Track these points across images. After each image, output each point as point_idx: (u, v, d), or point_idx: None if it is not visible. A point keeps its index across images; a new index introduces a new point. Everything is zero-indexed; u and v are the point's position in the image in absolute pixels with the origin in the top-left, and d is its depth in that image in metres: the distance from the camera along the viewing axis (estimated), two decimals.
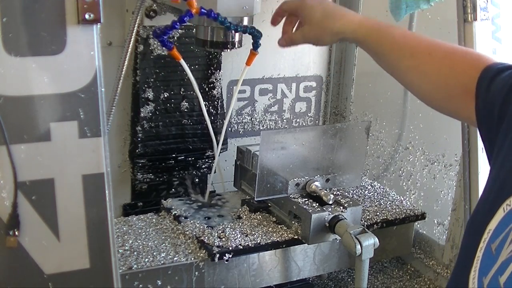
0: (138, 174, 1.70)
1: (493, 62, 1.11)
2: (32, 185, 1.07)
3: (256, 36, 1.50)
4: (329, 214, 1.48)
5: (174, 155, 1.73)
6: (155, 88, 1.66)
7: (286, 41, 1.47)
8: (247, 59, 1.57)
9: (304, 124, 2.01)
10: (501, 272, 0.78)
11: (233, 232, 1.48)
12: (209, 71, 1.73)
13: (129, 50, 1.36)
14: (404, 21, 1.71)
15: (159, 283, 1.38)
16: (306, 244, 1.51)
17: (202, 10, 1.37)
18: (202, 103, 1.61)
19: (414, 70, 1.22)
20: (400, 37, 1.27)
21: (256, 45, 1.53)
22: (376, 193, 1.78)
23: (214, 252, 1.40)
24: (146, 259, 1.38)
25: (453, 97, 1.14)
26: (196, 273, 1.41)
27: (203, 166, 1.75)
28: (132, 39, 1.37)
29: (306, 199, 1.53)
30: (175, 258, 1.40)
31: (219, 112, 1.75)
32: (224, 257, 1.41)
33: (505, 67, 1.05)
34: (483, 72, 1.08)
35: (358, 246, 1.41)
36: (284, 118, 1.97)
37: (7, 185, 1.05)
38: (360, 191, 1.79)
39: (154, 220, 1.57)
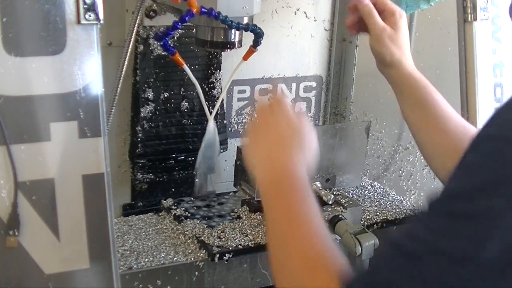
0: (138, 174, 1.70)
1: None
2: (32, 185, 1.07)
3: (258, 34, 1.50)
4: (329, 214, 1.48)
5: (174, 155, 1.72)
6: (155, 88, 1.66)
7: None
8: (244, 54, 1.57)
9: None
10: None
11: (233, 232, 1.48)
12: (209, 71, 1.73)
13: (129, 50, 1.36)
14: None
15: (159, 283, 1.38)
16: None
17: (203, 9, 1.37)
18: (204, 103, 1.61)
19: None
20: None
21: (257, 43, 1.53)
22: (376, 193, 1.78)
23: (214, 252, 1.40)
24: (146, 259, 1.38)
25: None
26: (196, 273, 1.41)
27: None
28: (132, 39, 1.37)
29: None
30: (175, 258, 1.40)
31: (219, 112, 1.75)
32: (224, 257, 1.41)
33: None
34: None
35: (358, 246, 1.41)
36: None
37: (7, 185, 1.05)
38: (360, 191, 1.79)
39: (154, 220, 1.57)
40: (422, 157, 1.85)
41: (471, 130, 1.24)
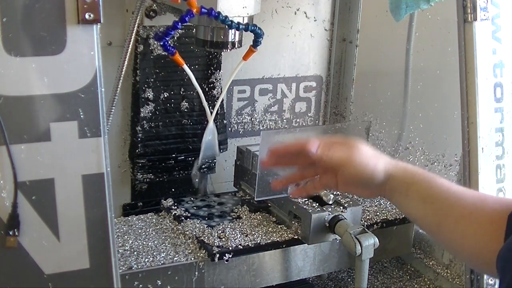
0: (138, 174, 1.70)
1: None
2: (32, 185, 1.07)
3: (258, 34, 1.50)
4: (329, 214, 1.48)
5: (174, 155, 1.73)
6: (155, 88, 1.66)
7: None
8: (244, 54, 1.57)
9: (304, 124, 2.01)
10: None
11: (233, 232, 1.48)
12: (209, 71, 1.73)
13: (129, 50, 1.36)
14: (404, 21, 1.71)
15: (159, 283, 1.38)
16: (306, 244, 1.51)
17: (203, 9, 1.37)
18: (205, 103, 1.61)
19: None
20: None
21: (256, 43, 1.53)
22: None
23: (214, 252, 1.40)
24: (146, 259, 1.38)
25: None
26: (196, 273, 1.41)
27: (203, 166, 1.75)
28: (132, 39, 1.37)
29: (306, 199, 1.53)
30: (175, 258, 1.40)
31: (219, 112, 1.75)
32: (224, 257, 1.41)
33: None
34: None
35: (358, 246, 1.41)
36: (284, 118, 1.97)
37: (7, 185, 1.05)
38: None
39: (154, 220, 1.57)
40: (422, 157, 1.86)
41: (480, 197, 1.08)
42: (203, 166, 1.70)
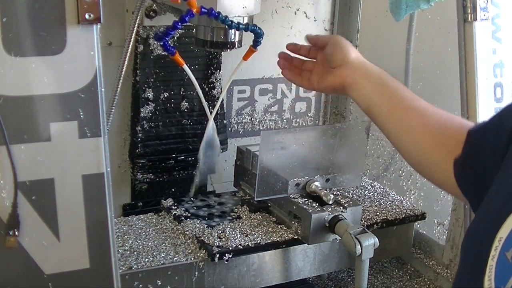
0: (138, 174, 1.70)
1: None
2: (32, 185, 1.07)
3: (258, 34, 1.50)
4: (329, 214, 1.48)
5: (174, 155, 1.73)
6: (155, 88, 1.66)
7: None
8: (244, 54, 1.57)
9: (304, 124, 2.01)
10: None
11: (233, 232, 1.48)
12: (209, 71, 1.73)
13: (129, 50, 1.36)
14: (404, 21, 1.71)
15: (159, 283, 1.38)
16: (306, 244, 1.51)
17: (203, 9, 1.37)
18: (205, 103, 1.61)
19: None
20: None
21: (256, 43, 1.54)
22: (376, 193, 1.78)
23: (214, 252, 1.40)
24: (146, 259, 1.38)
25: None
26: (196, 273, 1.41)
27: (203, 166, 1.75)
28: (132, 39, 1.37)
29: (306, 199, 1.53)
30: (175, 258, 1.40)
31: (219, 112, 1.75)
32: (224, 257, 1.41)
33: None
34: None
35: (358, 246, 1.41)
36: (284, 118, 1.97)
37: (7, 185, 1.05)
38: (360, 191, 1.79)
39: (154, 220, 1.57)
40: None
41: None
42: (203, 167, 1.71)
